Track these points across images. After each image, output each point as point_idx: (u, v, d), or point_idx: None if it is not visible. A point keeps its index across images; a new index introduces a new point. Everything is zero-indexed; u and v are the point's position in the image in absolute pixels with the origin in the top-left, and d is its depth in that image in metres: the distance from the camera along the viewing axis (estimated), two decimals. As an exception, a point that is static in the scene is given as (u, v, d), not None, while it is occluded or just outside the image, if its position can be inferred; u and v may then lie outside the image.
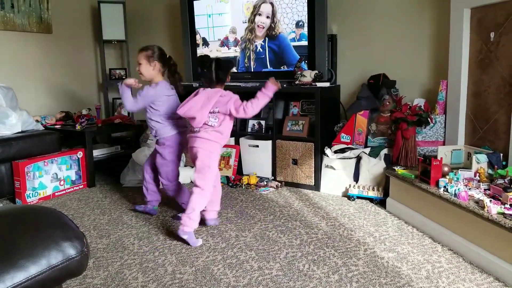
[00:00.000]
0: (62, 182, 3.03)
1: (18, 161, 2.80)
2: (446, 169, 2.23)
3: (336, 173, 2.86)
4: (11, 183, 2.85)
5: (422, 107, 2.63)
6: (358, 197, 2.74)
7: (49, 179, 2.95)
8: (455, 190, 2.01)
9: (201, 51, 3.67)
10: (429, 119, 2.60)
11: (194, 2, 3.62)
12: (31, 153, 2.94)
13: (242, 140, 3.30)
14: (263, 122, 3.28)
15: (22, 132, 3.07)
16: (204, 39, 3.66)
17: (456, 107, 2.63)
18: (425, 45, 2.94)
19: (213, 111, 2.18)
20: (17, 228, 0.91)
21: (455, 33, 2.60)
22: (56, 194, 2.98)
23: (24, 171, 2.79)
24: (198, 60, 2.48)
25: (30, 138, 3.00)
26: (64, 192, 3.03)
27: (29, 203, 2.81)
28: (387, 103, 2.83)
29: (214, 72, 2.23)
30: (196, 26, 3.66)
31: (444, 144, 2.72)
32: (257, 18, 3.30)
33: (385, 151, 2.78)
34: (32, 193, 2.85)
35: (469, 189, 2.04)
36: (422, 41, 2.95)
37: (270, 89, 2.21)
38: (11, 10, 3.59)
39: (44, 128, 3.35)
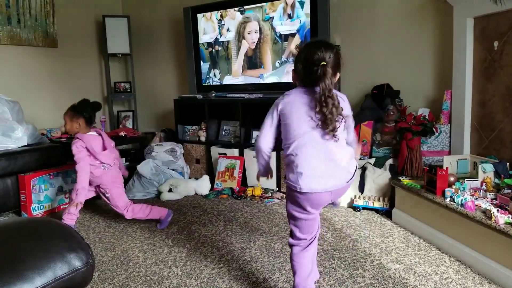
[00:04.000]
0: (67, 195, 3.04)
1: (24, 174, 2.81)
2: (452, 179, 2.22)
3: (341, 184, 2.84)
4: (17, 196, 2.86)
5: (427, 117, 2.63)
6: (364, 208, 2.72)
7: (55, 192, 2.95)
8: (461, 200, 1.99)
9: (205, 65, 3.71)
10: (434, 128, 2.59)
11: (198, 15, 3.67)
12: (37, 166, 2.95)
13: (247, 151, 3.30)
14: (267, 134, 3.29)
15: (28, 145, 3.09)
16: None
17: (461, 117, 2.62)
18: (428, 54, 2.95)
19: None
20: (23, 240, 0.91)
21: (458, 43, 2.61)
22: (61, 207, 2.98)
23: (30, 184, 2.81)
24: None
25: (36, 151, 3.02)
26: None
27: (34, 216, 2.81)
28: (391, 113, 2.83)
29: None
30: (200, 40, 3.70)
31: (449, 153, 2.71)
32: (247, 36, 3.44)
33: (390, 161, 2.77)
34: (38, 206, 2.85)
35: (476, 198, 2.03)
36: (425, 51, 2.96)
37: None
38: (17, 25, 3.65)
39: (49, 141, 3.38)
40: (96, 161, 2.44)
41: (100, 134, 2.54)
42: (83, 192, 2.38)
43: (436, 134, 2.69)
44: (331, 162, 1.40)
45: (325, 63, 1.34)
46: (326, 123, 1.35)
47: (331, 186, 1.40)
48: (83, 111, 2.47)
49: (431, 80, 2.96)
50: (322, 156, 1.39)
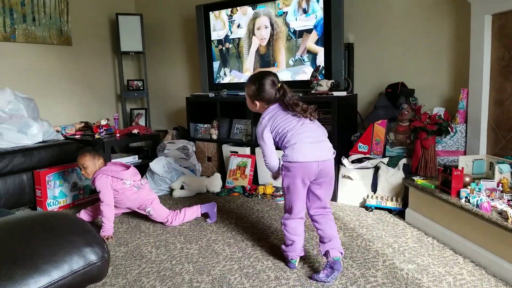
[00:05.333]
0: (81, 191, 3.08)
1: (39, 170, 2.86)
2: (467, 179, 2.18)
3: (354, 183, 2.83)
4: (33, 191, 2.91)
5: (442, 116, 2.59)
6: (376, 208, 2.70)
7: (69, 188, 2.99)
8: (477, 201, 1.96)
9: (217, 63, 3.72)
10: (449, 128, 2.55)
11: (210, 13, 3.67)
12: (52, 163, 3.00)
13: (258, 150, 3.30)
14: (279, 132, 3.28)
15: (43, 142, 3.14)
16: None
17: (478, 116, 2.58)
18: (444, 52, 2.91)
19: None
20: (39, 234, 0.93)
21: (476, 40, 2.56)
22: (76, 202, 3.03)
23: (45, 180, 2.85)
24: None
25: (51, 148, 3.06)
26: (83, 201, 3.07)
27: (51, 211, 2.85)
28: (406, 112, 2.80)
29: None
30: (212, 38, 3.71)
31: (465, 153, 2.67)
32: (257, 32, 3.40)
33: (403, 161, 2.74)
34: (53, 202, 2.90)
35: (492, 199, 1.99)
36: (441, 48, 2.92)
37: None
38: (32, 23, 3.70)
39: (64, 138, 3.42)
40: (124, 185, 2.45)
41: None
42: (111, 228, 2.40)
43: (452, 133, 2.65)
44: (316, 139, 1.85)
45: (281, 84, 1.89)
46: (299, 109, 1.85)
47: (318, 157, 1.80)
48: (98, 150, 2.60)
49: (447, 78, 2.92)
50: (308, 133, 1.83)
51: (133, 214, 2.73)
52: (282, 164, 1.82)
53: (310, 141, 1.81)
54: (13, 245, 0.87)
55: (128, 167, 2.55)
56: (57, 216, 1.02)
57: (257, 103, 1.91)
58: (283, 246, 1.95)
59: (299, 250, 1.92)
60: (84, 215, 2.63)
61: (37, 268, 0.83)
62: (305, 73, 3.26)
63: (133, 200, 2.48)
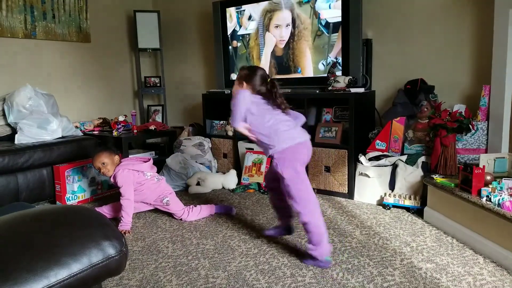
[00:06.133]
0: (99, 186, 3.12)
1: (59, 165, 2.91)
2: (488, 178, 2.13)
3: (371, 181, 2.79)
4: (52, 186, 2.97)
5: (463, 113, 2.53)
6: (394, 206, 2.66)
7: (87, 183, 3.04)
8: (498, 200, 1.91)
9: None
10: (470, 125, 2.49)
11: (227, 10, 3.66)
12: (71, 158, 3.05)
13: (274, 146, 3.28)
14: (295, 129, 3.25)
15: (62, 137, 3.20)
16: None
17: (500, 113, 2.51)
18: (466, 48, 2.84)
19: None
20: (59, 227, 0.94)
21: (499, 36, 2.49)
22: (94, 197, 3.07)
23: (64, 175, 2.90)
24: None
25: (70, 143, 3.12)
26: (101, 195, 3.12)
27: (70, 204, 2.91)
28: (425, 109, 2.75)
29: None
30: (229, 33, 3.70)
31: (486, 151, 2.61)
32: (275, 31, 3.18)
33: (422, 158, 2.69)
34: (72, 196, 2.95)
35: (515, 198, 1.94)
36: (463, 44, 2.85)
37: None
38: (52, 20, 3.76)
39: (83, 134, 3.48)
40: (146, 176, 2.53)
41: None
42: (129, 222, 2.44)
43: (473, 131, 2.59)
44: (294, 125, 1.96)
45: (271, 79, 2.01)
46: (280, 101, 1.97)
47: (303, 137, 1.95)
48: (111, 147, 2.66)
49: (468, 74, 2.85)
50: (288, 121, 1.95)
51: (150, 210, 2.76)
52: (275, 158, 1.90)
53: (291, 125, 1.95)
54: (33, 238, 0.88)
55: (146, 160, 2.59)
56: (76, 210, 1.03)
57: (245, 84, 1.99)
58: (310, 246, 1.87)
59: (328, 242, 1.89)
60: (104, 211, 2.67)
61: (57, 260, 0.84)
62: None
63: (153, 190, 2.55)
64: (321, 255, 1.85)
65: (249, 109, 1.91)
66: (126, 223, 2.40)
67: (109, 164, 2.51)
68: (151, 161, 2.63)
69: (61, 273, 0.83)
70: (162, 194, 2.56)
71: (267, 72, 2.09)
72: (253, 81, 1.97)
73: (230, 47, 3.69)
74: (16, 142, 2.98)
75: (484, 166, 2.13)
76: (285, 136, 1.88)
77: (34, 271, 0.80)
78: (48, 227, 0.93)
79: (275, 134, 1.88)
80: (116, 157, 2.55)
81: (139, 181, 2.52)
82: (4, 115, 3.17)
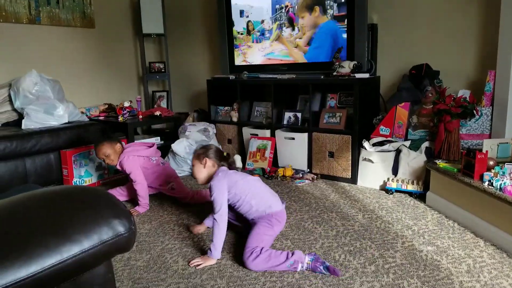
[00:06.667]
0: (106, 171, 3.17)
1: (66, 150, 2.95)
2: (491, 163, 2.15)
3: (374, 166, 2.81)
4: (59, 170, 3.01)
5: (467, 99, 2.53)
6: (397, 191, 2.69)
7: (94, 167, 3.09)
8: (500, 184, 1.93)
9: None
10: (474, 111, 2.49)
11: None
12: (77, 143, 3.09)
13: (278, 132, 3.31)
14: (299, 115, 3.27)
15: (68, 123, 3.23)
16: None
17: (504, 99, 2.51)
18: (472, 33, 2.82)
19: None
20: (70, 206, 0.97)
21: (505, 20, 2.47)
22: (101, 182, 3.12)
23: (71, 159, 2.94)
24: None
25: (76, 128, 3.15)
26: (108, 180, 3.17)
27: (80, 185, 2.96)
28: (430, 95, 2.74)
29: None
30: (233, 18, 3.69)
31: (490, 137, 2.61)
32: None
33: (426, 144, 2.70)
34: (79, 181, 3.00)
35: (516, 183, 1.95)
36: (468, 29, 2.83)
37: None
38: (56, 6, 3.76)
39: (88, 120, 3.51)
40: (151, 161, 2.58)
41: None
42: (146, 204, 2.51)
43: (477, 116, 2.59)
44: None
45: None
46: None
47: None
48: (111, 136, 2.68)
49: (474, 60, 2.84)
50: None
51: (156, 194, 2.80)
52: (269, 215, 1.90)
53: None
54: (46, 216, 0.91)
55: (150, 145, 2.63)
56: (86, 190, 1.06)
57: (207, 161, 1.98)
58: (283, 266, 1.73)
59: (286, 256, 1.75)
60: (116, 193, 2.70)
61: (69, 237, 0.87)
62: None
63: (159, 174, 2.60)
64: (294, 268, 1.73)
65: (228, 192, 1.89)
66: (143, 205, 2.48)
67: (111, 154, 2.51)
68: (155, 146, 2.67)
69: (74, 249, 0.86)
70: (167, 178, 2.60)
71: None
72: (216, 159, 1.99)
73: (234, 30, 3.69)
74: (23, 127, 3.02)
75: (487, 151, 2.14)
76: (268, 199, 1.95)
77: (48, 246, 0.84)
78: (59, 206, 0.97)
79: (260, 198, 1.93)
80: (118, 146, 2.54)
81: (144, 166, 2.55)
82: (10, 100, 3.20)
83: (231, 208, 1.96)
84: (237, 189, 1.89)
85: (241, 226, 2.08)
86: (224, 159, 2.01)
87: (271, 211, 1.90)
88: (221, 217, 1.81)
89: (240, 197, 1.90)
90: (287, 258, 1.72)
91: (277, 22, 3.39)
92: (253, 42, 3.62)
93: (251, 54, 3.66)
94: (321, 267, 1.68)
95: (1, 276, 0.75)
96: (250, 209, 1.90)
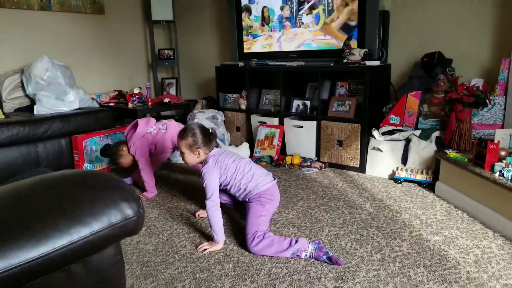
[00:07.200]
0: (115, 157, 3.20)
1: (77, 136, 2.98)
2: (503, 153, 2.12)
3: (383, 156, 2.80)
4: (71, 156, 3.05)
5: (480, 88, 2.49)
6: (406, 180, 2.67)
7: (104, 153, 3.12)
8: (511, 175, 1.91)
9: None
10: (487, 100, 2.45)
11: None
12: (88, 129, 3.12)
13: (286, 120, 3.30)
14: (308, 103, 3.26)
15: (79, 109, 3.26)
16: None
17: (518, 88, 2.46)
18: (486, 20, 2.76)
19: None
20: (79, 189, 0.99)
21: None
22: (111, 167, 3.16)
23: (82, 145, 2.98)
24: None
25: (87, 114, 3.18)
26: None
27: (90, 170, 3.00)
28: (442, 83, 2.70)
29: None
30: (242, 4, 3.65)
31: (502, 127, 2.57)
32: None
33: (436, 133, 2.67)
34: (90, 166, 3.04)
35: (528, 174, 1.93)
36: (482, 16, 2.77)
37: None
38: (67, -8, 3.77)
39: (99, 106, 3.54)
40: (151, 133, 2.58)
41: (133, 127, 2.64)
42: (152, 188, 2.54)
43: (489, 106, 2.55)
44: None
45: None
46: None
47: None
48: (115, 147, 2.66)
49: (488, 48, 2.78)
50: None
51: (164, 180, 2.83)
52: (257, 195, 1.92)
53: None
54: (56, 198, 0.93)
55: (136, 122, 2.62)
56: (95, 174, 1.08)
57: (201, 151, 1.95)
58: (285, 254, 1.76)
59: (281, 242, 1.77)
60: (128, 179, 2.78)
61: (79, 219, 0.89)
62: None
63: (165, 139, 2.60)
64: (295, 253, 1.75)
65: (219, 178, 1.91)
66: (150, 190, 2.52)
67: (123, 158, 2.57)
68: (142, 119, 2.64)
69: (83, 231, 0.88)
70: (174, 139, 2.58)
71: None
72: (202, 144, 1.93)
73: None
74: (35, 112, 3.06)
75: (499, 142, 2.11)
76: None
77: (58, 228, 0.86)
78: (69, 189, 0.98)
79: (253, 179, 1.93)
80: (124, 148, 2.57)
81: (151, 140, 2.57)
82: (23, 86, 3.24)
83: (223, 191, 2.01)
84: (228, 173, 1.92)
85: (239, 210, 2.14)
86: (211, 140, 1.98)
87: (259, 190, 1.92)
88: (213, 202, 1.84)
89: (230, 181, 1.94)
90: (290, 245, 1.74)
91: (321, 6, 3.28)
92: (271, 30, 3.56)
93: (276, 44, 3.61)
94: (324, 257, 1.70)
95: (14, 256, 0.77)
96: (239, 190, 1.94)
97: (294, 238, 1.78)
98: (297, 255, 1.73)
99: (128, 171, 2.81)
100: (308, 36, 3.28)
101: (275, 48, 3.54)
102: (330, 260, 1.69)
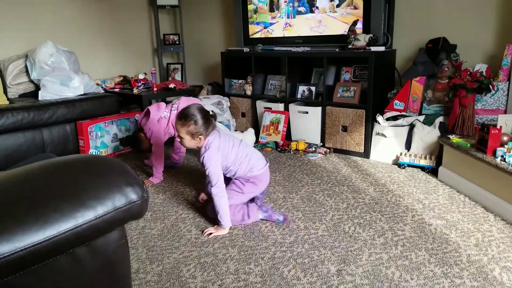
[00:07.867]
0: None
1: (82, 122, 3.01)
2: (505, 138, 2.12)
3: (387, 141, 2.80)
4: (76, 141, 3.08)
5: (484, 73, 2.47)
6: (409, 165, 2.68)
7: (110, 139, 3.15)
8: (514, 160, 1.91)
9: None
10: (490, 86, 2.44)
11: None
12: (93, 114, 3.14)
13: (292, 106, 3.30)
14: (313, 88, 3.25)
15: (84, 94, 3.28)
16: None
17: (523, 73, 2.44)
18: (491, 6, 2.72)
19: None
20: (84, 173, 1.00)
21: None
22: (116, 153, 3.19)
23: (87, 130, 3.01)
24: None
25: (92, 100, 3.20)
26: (123, 151, 3.24)
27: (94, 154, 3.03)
28: (446, 69, 2.69)
29: None
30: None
31: (505, 112, 2.56)
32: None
33: (440, 119, 2.67)
34: (95, 152, 3.07)
35: (531, 159, 1.93)
36: (487, 2, 2.72)
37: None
38: (72, -23, 3.75)
39: (104, 91, 3.55)
40: (166, 117, 2.64)
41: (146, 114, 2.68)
42: (159, 174, 2.59)
43: (493, 91, 2.53)
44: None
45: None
46: None
47: None
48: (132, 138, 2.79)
49: (492, 33, 2.75)
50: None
51: (169, 166, 2.85)
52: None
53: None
54: (61, 182, 0.95)
55: (148, 110, 2.65)
56: (99, 158, 1.10)
57: (202, 138, 1.94)
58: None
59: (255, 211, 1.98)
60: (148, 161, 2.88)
61: (83, 203, 0.91)
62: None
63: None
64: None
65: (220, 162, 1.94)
66: (157, 175, 2.56)
67: (143, 143, 2.64)
68: (153, 105, 2.69)
69: (88, 215, 0.90)
70: None
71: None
72: (204, 128, 1.91)
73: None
74: (40, 98, 3.08)
75: (501, 127, 2.11)
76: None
77: (63, 212, 0.88)
78: (73, 173, 1.00)
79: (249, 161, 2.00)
80: (142, 134, 2.65)
81: (165, 124, 2.62)
82: (27, 71, 3.26)
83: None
84: (229, 160, 1.97)
85: None
86: (212, 123, 1.94)
87: (252, 174, 2.00)
88: (219, 189, 1.87)
89: (228, 167, 1.99)
90: (242, 219, 1.93)
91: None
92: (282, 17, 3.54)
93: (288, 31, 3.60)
94: (276, 217, 1.95)
95: (19, 239, 0.79)
96: (235, 173, 2.01)
97: (247, 214, 1.94)
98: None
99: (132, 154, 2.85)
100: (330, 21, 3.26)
101: (283, 34, 3.51)
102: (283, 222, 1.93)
